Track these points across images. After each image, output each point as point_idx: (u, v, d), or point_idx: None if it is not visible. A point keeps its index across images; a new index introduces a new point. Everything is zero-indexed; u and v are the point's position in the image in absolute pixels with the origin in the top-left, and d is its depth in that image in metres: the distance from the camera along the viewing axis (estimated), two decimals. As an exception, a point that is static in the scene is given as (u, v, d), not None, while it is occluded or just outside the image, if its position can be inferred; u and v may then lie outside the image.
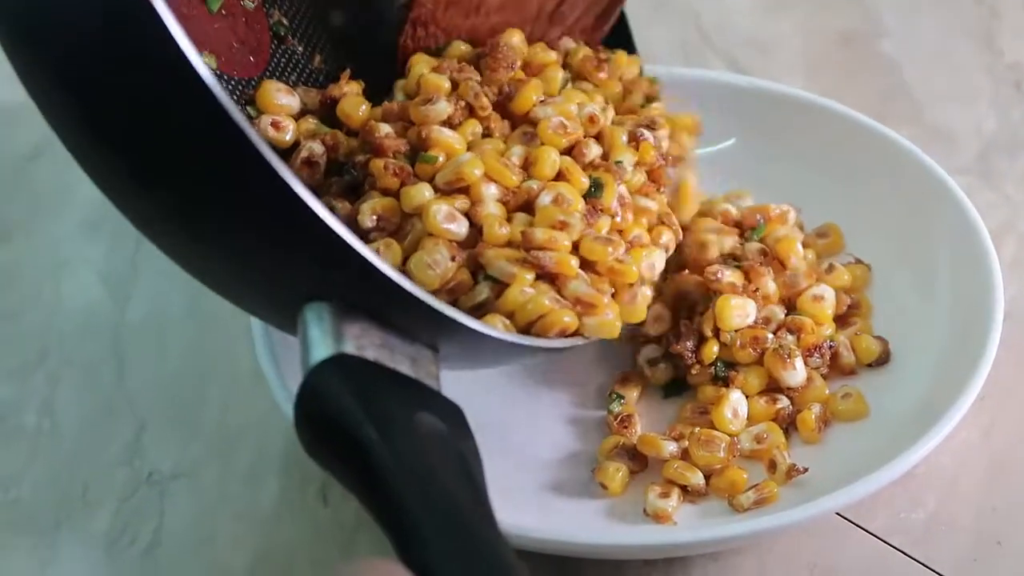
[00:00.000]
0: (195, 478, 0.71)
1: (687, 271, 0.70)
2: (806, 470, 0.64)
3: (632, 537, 0.63)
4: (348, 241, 0.50)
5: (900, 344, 0.70)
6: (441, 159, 0.64)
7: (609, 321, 0.62)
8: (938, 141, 0.85)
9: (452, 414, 0.54)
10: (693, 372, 0.68)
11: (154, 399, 0.75)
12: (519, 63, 0.69)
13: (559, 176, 0.65)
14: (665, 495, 0.64)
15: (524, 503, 0.65)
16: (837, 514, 0.66)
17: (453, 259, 0.60)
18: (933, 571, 0.64)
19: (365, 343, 0.53)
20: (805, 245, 0.74)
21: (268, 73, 0.71)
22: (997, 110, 0.88)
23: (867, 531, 0.65)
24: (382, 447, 0.48)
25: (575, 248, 0.62)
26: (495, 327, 0.59)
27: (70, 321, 0.80)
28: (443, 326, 0.55)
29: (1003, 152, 0.85)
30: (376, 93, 0.70)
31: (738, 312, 0.68)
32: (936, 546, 0.65)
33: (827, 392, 0.68)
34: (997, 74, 0.91)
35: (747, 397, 0.67)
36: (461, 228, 0.62)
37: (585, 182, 0.65)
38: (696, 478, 0.65)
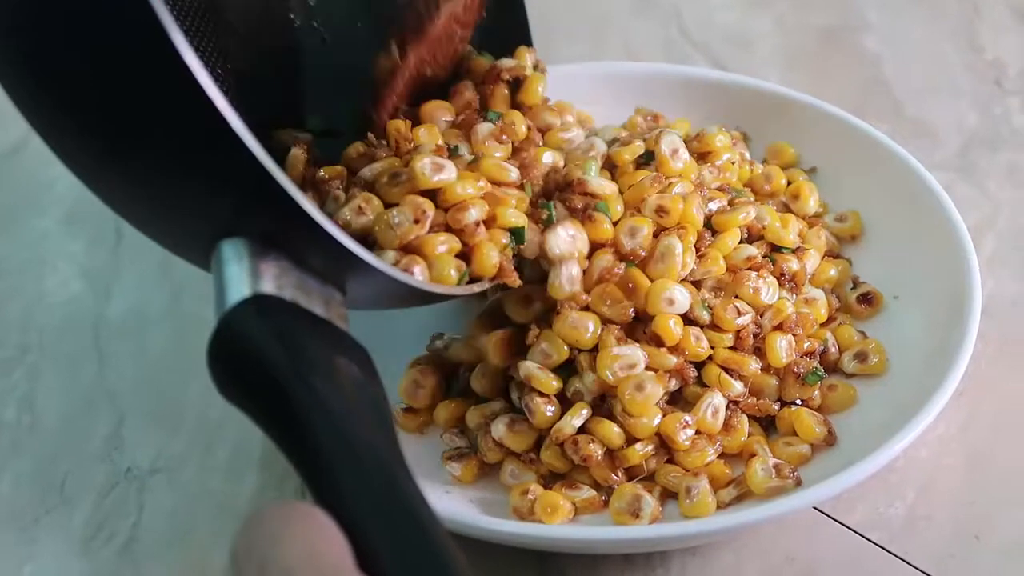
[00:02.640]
0: (174, 473, 0.71)
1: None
2: (795, 471, 0.64)
3: (611, 532, 0.63)
4: (273, 173, 0.48)
5: (878, 338, 0.70)
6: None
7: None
8: (918, 137, 0.86)
9: (363, 358, 0.53)
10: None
11: (134, 394, 0.75)
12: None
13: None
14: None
15: (500, 498, 0.65)
16: (815, 508, 0.66)
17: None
18: (911, 566, 0.64)
19: (284, 283, 0.52)
20: (811, 226, 0.75)
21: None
22: (978, 106, 0.88)
23: (845, 525, 0.66)
24: (305, 391, 0.48)
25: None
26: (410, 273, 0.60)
27: (51, 316, 0.80)
28: (358, 268, 0.54)
29: (984, 148, 0.85)
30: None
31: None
32: (914, 540, 0.65)
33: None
34: (978, 71, 0.91)
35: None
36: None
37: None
38: (700, 482, 0.64)
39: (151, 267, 0.82)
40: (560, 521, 0.63)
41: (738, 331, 0.66)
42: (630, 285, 0.65)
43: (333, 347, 0.52)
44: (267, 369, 0.49)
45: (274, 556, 0.41)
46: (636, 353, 0.64)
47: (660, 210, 0.67)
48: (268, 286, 0.51)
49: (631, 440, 0.65)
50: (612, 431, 0.64)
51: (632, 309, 0.65)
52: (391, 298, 0.62)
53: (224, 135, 0.47)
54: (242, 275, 0.51)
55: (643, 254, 0.66)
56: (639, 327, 0.66)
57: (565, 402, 0.66)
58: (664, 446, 0.65)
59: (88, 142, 0.53)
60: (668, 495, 0.65)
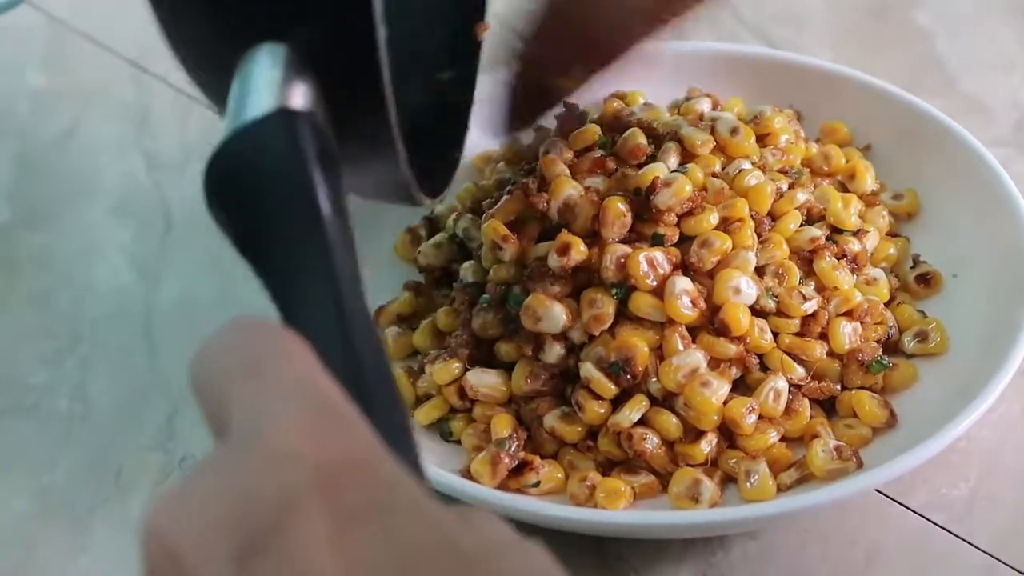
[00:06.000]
0: (229, 462, 0.71)
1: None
2: (856, 452, 0.63)
3: (672, 517, 0.62)
4: None
5: (937, 317, 0.69)
6: None
7: None
8: (972, 113, 0.85)
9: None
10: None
11: (186, 383, 0.74)
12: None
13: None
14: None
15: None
16: (877, 491, 0.65)
17: None
18: (974, 547, 0.63)
19: (316, 107, 0.47)
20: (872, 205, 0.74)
21: None
22: (1033, 82, 0.88)
23: (908, 508, 0.65)
24: (323, 227, 0.43)
25: None
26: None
27: (102, 305, 0.80)
28: (385, 141, 0.51)
29: (1040, 124, 0.84)
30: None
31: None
32: (978, 522, 0.64)
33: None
34: (1031, 45, 0.91)
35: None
36: None
37: None
38: (759, 466, 0.63)
39: (201, 255, 0.81)
40: (621, 506, 0.63)
41: (805, 316, 0.66)
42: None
43: (342, 191, 0.46)
44: (287, 195, 0.44)
45: (275, 368, 0.37)
46: (695, 356, 0.64)
47: (726, 220, 0.67)
48: (300, 101, 0.46)
49: (689, 430, 0.64)
50: (670, 422, 0.64)
51: (703, 301, 0.65)
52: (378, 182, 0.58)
53: None
54: (274, 82, 0.46)
55: (709, 266, 0.66)
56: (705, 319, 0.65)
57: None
58: (724, 432, 0.64)
59: None
60: (728, 479, 0.64)
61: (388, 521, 0.33)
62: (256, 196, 0.44)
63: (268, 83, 0.46)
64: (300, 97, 0.46)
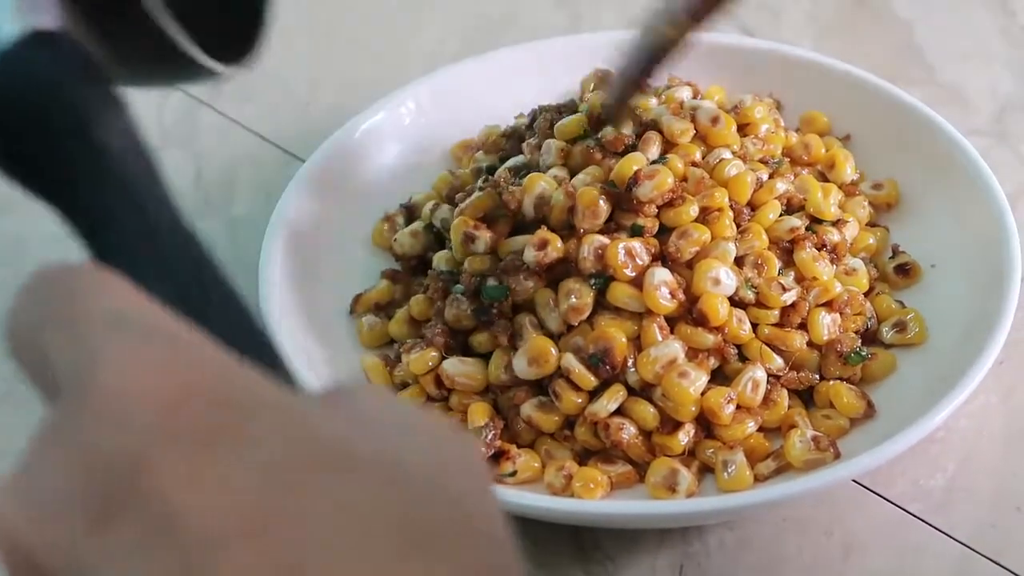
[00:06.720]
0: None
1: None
2: (833, 443, 0.63)
3: (648, 507, 0.62)
4: None
5: (916, 307, 0.69)
6: None
7: None
8: (952, 103, 0.84)
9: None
10: None
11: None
12: None
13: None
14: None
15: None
16: (854, 481, 0.65)
17: None
18: (952, 538, 0.63)
19: (66, 22, 0.43)
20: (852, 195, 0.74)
21: None
22: (1012, 71, 0.87)
23: (885, 498, 0.65)
24: (112, 138, 0.41)
25: None
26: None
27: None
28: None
29: (1019, 113, 0.84)
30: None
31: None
32: (955, 513, 0.64)
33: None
34: (1011, 35, 0.90)
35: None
36: None
37: None
38: (736, 456, 0.63)
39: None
40: (597, 496, 0.62)
41: (784, 307, 0.66)
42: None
43: (123, 102, 0.43)
44: (56, 122, 0.41)
45: (89, 307, 0.33)
46: (673, 347, 0.63)
47: (705, 210, 0.67)
48: (48, 19, 0.43)
49: (666, 420, 0.64)
50: (647, 412, 0.63)
51: (682, 293, 0.64)
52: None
53: None
54: (11, 6, 0.42)
55: (687, 257, 0.66)
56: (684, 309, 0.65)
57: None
58: (702, 422, 0.64)
59: None
60: (705, 469, 0.64)
61: (241, 438, 0.31)
62: (26, 130, 0.42)
63: (6, 9, 0.42)
64: (47, 14, 0.43)
